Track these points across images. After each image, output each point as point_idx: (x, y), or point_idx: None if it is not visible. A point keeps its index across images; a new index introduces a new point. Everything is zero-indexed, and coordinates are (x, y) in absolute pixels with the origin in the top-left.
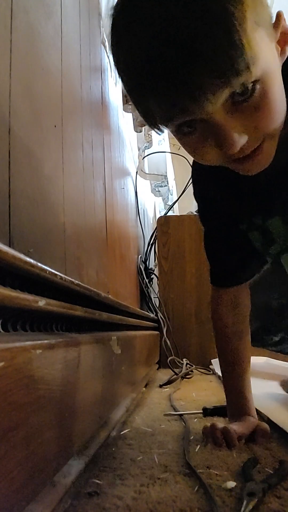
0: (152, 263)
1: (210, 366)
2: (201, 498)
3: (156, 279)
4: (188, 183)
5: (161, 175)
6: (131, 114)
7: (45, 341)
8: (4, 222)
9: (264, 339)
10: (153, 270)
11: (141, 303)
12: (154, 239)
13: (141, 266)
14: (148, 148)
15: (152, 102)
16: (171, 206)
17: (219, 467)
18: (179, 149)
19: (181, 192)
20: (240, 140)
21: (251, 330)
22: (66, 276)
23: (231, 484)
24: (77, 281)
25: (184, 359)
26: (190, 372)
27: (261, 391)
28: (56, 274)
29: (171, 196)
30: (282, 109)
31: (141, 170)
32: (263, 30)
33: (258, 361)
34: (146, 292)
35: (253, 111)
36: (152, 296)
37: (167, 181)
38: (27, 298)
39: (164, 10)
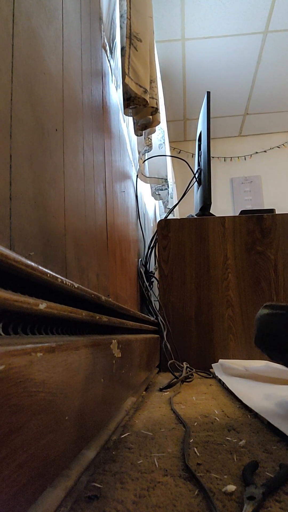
0: (152, 266)
1: (211, 370)
2: (201, 502)
3: (156, 282)
4: (188, 186)
5: (162, 178)
6: (131, 118)
7: (46, 344)
8: (5, 225)
9: None
10: (153, 274)
11: (141, 306)
12: (154, 242)
13: (141, 269)
14: (148, 152)
15: None
16: (171, 210)
17: (219, 471)
18: (179, 152)
19: (182, 195)
20: None
21: None
22: (66, 279)
23: (232, 488)
24: (77, 284)
25: (184, 363)
26: (190, 376)
27: (261, 394)
28: (56, 277)
29: (171, 199)
30: None
31: (142, 174)
32: None
33: (258, 364)
34: (146, 295)
35: None
36: (152, 300)
37: (168, 185)
38: (28, 301)
39: None
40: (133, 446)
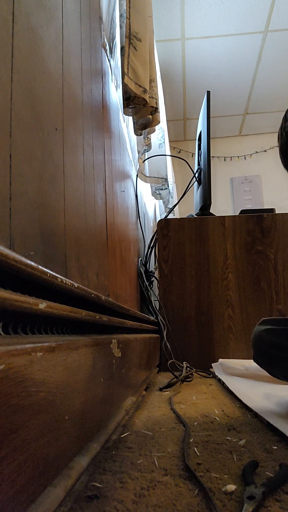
0: (152, 266)
1: (210, 370)
2: (201, 502)
3: (156, 282)
4: (188, 186)
5: (162, 178)
6: (131, 117)
7: (46, 344)
8: (5, 224)
9: None
10: (153, 273)
11: (141, 306)
12: (154, 242)
13: (141, 269)
14: (147, 151)
15: None
16: (171, 209)
17: (219, 470)
18: (179, 152)
19: (182, 195)
20: None
21: None
22: (66, 279)
23: (231, 487)
24: (77, 284)
25: (184, 362)
26: (190, 375)
27: (261, 393)
28: (56, 277)
29: (172, 199)
30: None
31: (142, 173)
32: None
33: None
34: (146, 295)
35: None
36: (152, 299)
37: (168, 184)
38: (28, 300)
39: None
40: (133, 445)
